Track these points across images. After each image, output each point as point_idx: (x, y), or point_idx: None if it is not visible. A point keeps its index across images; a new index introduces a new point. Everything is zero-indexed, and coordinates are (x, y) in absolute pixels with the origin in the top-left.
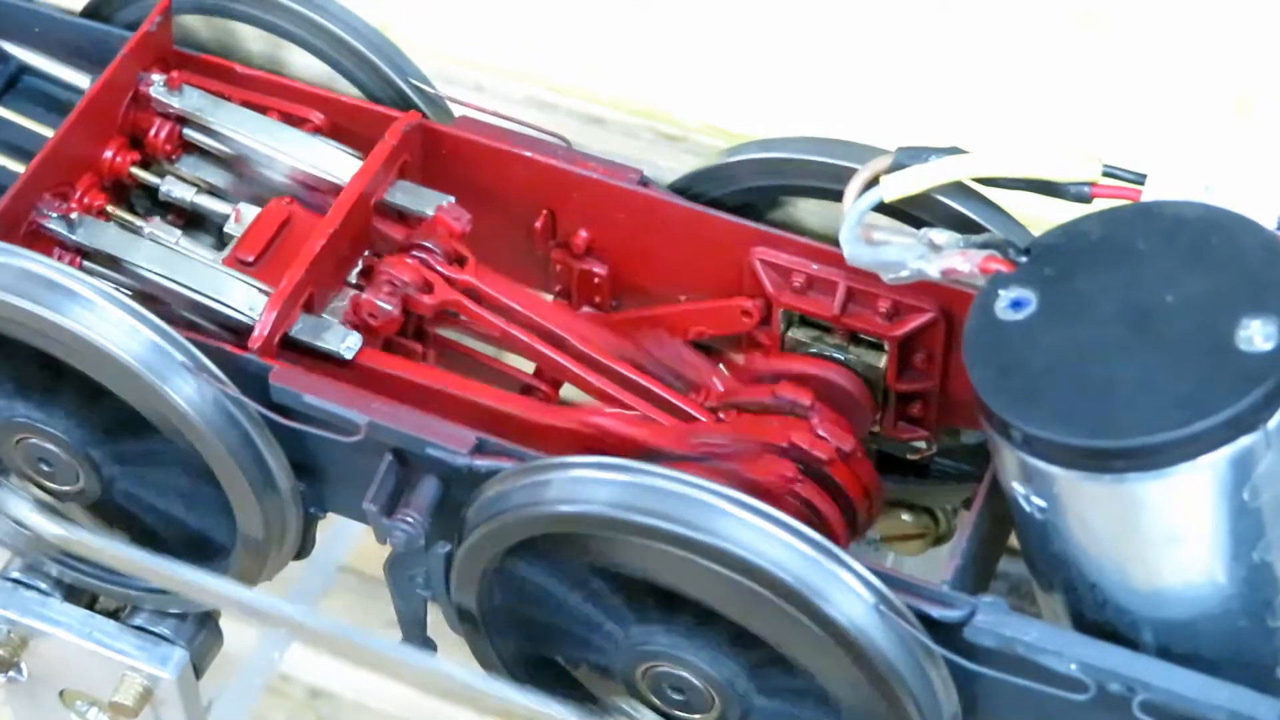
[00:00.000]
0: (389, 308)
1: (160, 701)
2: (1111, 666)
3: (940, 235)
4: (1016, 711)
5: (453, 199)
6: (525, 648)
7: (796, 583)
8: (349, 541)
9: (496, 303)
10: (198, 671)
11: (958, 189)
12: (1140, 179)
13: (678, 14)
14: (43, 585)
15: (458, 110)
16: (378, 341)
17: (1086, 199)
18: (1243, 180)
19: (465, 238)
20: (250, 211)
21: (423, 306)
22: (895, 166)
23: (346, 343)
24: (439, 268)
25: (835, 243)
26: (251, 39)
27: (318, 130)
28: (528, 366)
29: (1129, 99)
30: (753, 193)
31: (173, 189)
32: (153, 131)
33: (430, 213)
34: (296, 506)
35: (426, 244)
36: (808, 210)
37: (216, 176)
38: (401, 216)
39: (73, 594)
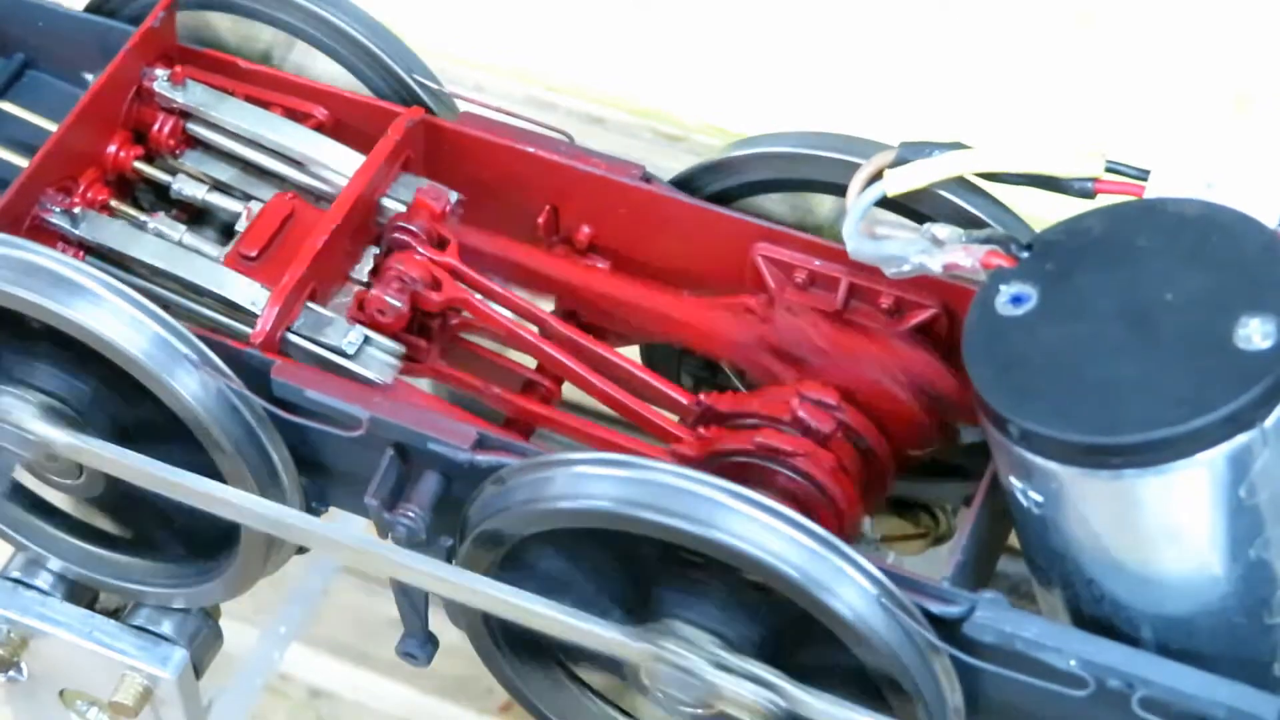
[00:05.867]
0: (398, 304)
1: (160, 701)
2: (1111, 663)
3: (942, 230)
4: (1016, 707)
5: (456, 193)
6: (527, 642)
7: (801, 577)
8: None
9: (483, 287)
10: (198, 671)
11: (960, 184)
12: (1144, 175)
13: (678, 14)
14: (43, 585)
15: (462, 106)
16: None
17: (1090, 194)
18: (1244, 177)
19: (446, 218)
20: (259, 209)
21: (430, 303)
22: (898, 161)
23: (348, 338)
24: (420, 249)
25: (838, 238)
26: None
27: (321, 126)
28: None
29: (1130, 96)
30: (757, 186)
31: (184, 187)
32: (156, 126)
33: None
34: (298, 501)
35: (409, 226)
36: (812, 204)
37: (220, 171)
38: None
39: (73, 593)
